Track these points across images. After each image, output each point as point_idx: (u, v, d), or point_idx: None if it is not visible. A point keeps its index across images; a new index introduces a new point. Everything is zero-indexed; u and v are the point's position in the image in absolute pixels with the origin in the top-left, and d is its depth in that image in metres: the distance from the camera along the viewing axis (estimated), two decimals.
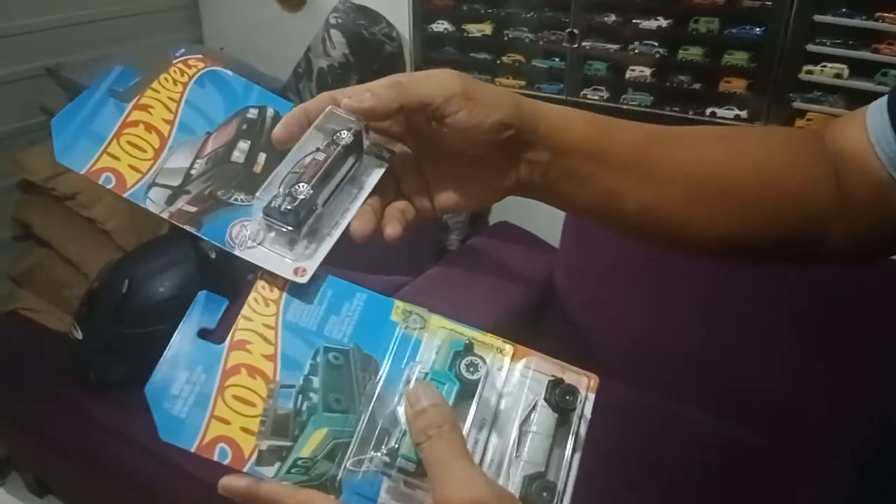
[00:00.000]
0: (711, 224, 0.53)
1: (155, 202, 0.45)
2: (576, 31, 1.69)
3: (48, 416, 1.66)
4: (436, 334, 0.44)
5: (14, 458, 1.88)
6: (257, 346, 0.43)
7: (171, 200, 0.45)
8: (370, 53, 1.94)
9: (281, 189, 0.43)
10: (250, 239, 0.44)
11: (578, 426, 0.43)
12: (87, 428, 1.58)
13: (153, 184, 0.46)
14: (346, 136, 0.44)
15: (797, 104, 1.51)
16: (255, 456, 0.40)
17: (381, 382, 0.42)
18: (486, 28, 1.82)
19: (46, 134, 1.74)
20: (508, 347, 0.44)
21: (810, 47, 1.47)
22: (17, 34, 1.87)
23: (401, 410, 0.41)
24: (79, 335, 1.55)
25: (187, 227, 0.44)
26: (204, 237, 0.44)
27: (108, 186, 0.45)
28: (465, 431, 0.40)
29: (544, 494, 0.39)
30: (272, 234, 0.44)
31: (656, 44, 1.63)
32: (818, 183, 0.54)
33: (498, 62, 1.83)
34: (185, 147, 0.47)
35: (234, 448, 0.40)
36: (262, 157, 0.48)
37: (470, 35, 1.84)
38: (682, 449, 1.46)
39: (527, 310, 1.69)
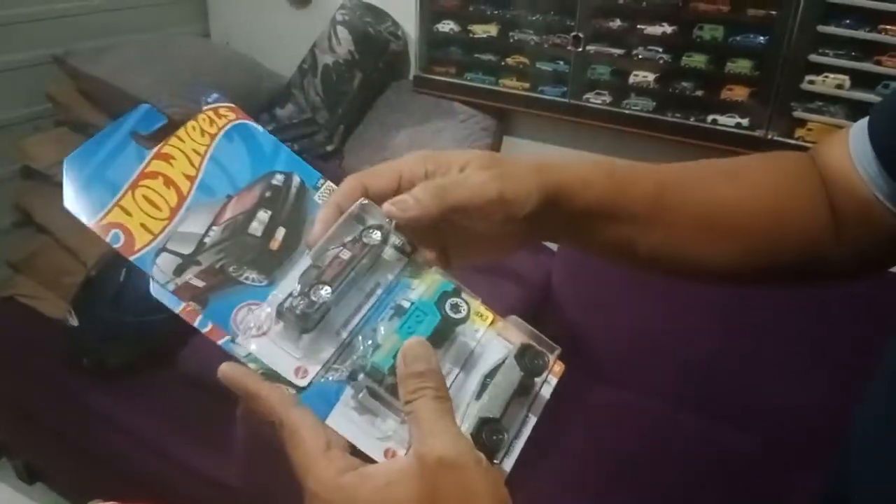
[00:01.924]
0: (719, 259, 0.55)
1: (163, 271, 0.42)
2: (581, 35, 1.69)
3: (42, 402, 1.67)
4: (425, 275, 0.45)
5: (5, 444, 1.88)
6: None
7: (179, 271, 0.42)
8: (375, 51, 1.94)
9: (299, 286, 0.41)
10: (255, 327, 0.41)
11: (540, 390, 0.44)
12: (80, 415, 1.59)
13: (163, 249, 0.42)
14: (374, 238, 0.43)
15: (798, 113, 1.52)
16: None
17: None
18: (492, 29, 1.83)
19: (50, 121, 1.75)
20: (489, 314, 0.46)
21: (813, 57, 1.47)
22: (23, 21, 1.88)
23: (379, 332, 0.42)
24: (75, 322, 1.55)
25: (192, 305, 0.42)
26: (208, 319, 0.42)
27: (115, 246, 0.41)
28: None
29: (494, 437, 0.40)
30: (279, 326, 0.41)
31: (660, 50, 1.63)
32: (817, 209, 0.56)
33: (502, 63, 1.84)
34: (202, 210, 0.44)
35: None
36: (280, 232, 0.45)
37: (475, 36, 1.84)
38: (675, 452, 1.47)
39: (524, 311, 1.67)
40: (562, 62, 1.76)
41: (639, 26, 1.63)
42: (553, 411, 0.45)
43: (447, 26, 1.87)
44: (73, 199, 0.42)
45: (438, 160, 0.46)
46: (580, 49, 1.70)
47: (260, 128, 0.49)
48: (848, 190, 0.54)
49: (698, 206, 0.54)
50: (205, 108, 0.48)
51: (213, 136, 0.47)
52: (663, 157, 1.96)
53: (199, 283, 0.42)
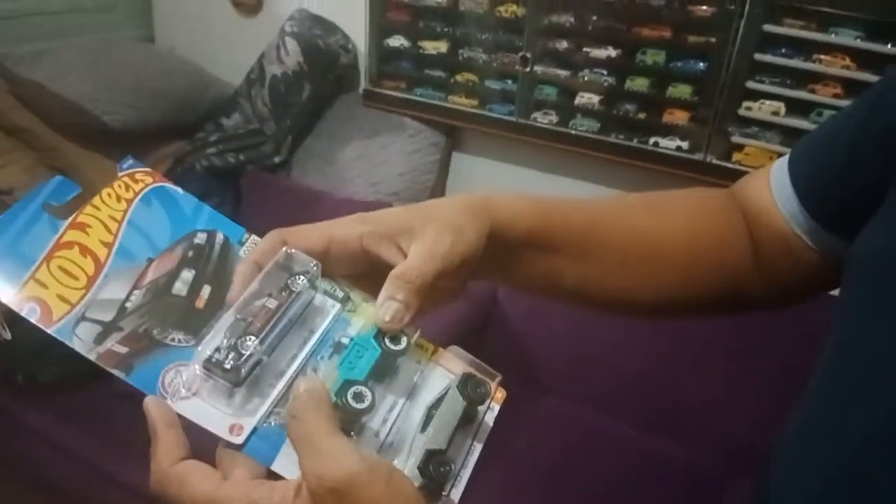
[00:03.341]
0: (643, 292, 0.56)
1: (83, 340, 0.41)
2: (528, 55, 1.72)
3: None
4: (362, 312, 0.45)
5: None
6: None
7: (100, 339, 0.41)
8: (325, 64, 1.94)
9: (225, 340, 0.40)
10: (184, 388, 0.40)
11: (484, 417, 0.44)
12: (15, 432, 1.53)
13: (82, 318, 0.41)
14: (301, 284, 0.43)
15: (735, 138, 1.57)
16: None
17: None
18: (442, 46, 1.84)
19: None
20: (430, 346, 0.45)
21: (750, 84, 1.53)
22: None
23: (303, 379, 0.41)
24: (7, 335, 1.49)
25: (115, 372, 0.40)
26: (133, 385, 0.40)
27: (32, 319, 0.40)
28: (381, 399, 0.41)
29: (442, 469, 0.40)
30: (209, 383, 0.40)
31: (605, 72, 1.67)
32: (738, 242, 0.57)
33: (452, 80, 1.85)
34: (122, 275, 0.43)
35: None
36: (206, 290, 0.44)
37: (425, 52, 1.86)
38: (612, 459, 1.49)
39: (471, 324, 1.70)
40: (510, 81, 1.79)
41: (585, 48, 1.67)
42: (495, 419, 0.45)
43: (397, 41, 1.88)
44: None
45: (374, 222, 0.45)
46: (528, 69, 1.73)
47: (179, 190, 0.48)
48: (768, 225, 0.55)
49: (620, 238, 0.55)
50: (120, 173, 0.47)
51: (129, 202, 0.46)
52: (607, 177, 2.01)
53: (122, 350, 0.41)
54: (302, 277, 0.43)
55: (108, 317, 0.42)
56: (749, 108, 1.54)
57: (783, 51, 1.49)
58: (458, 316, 1.67)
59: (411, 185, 1.89)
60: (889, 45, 1.39)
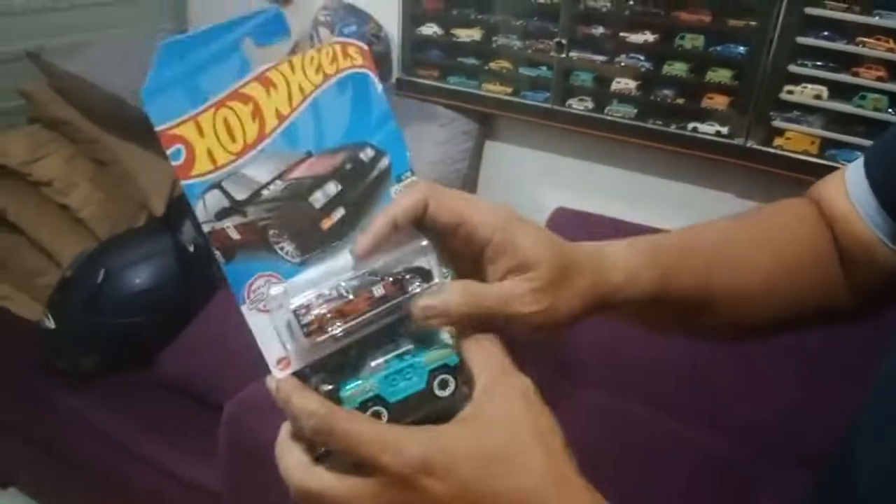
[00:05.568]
0: (752, 323, 0.56)
1: (206, 208, 0.39)
2: (563, 41, 1.70)
3: (14, 405, 1.64)
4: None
5: None
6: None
7: (222, 215, 0.39)
8: None
9: (321, 301, 0.39)
10: (264, 304, 0.40)
11: None
12: (54, 419, 1.56)
13: (218, 185, 0.39)
14: (416, 287, 0.41)
15: (777, 123, 1.53)
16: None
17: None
18: (475, 33, 1.83)
19: (23, 118, 1.72)
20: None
21: (792, 68, 1.49)
22: None
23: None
24: (50, 324, 1.53)
25: (217, 254, 0.39)
26: (225, 275, 0.39)
27: (174, 163, 0.38)
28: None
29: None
30: (287, 317, 0.40)
31: (642, 58, 1.64)
32: (829, 252, 0.57)
33: (485, 68, 1.84)
34: (276, 158, 0.40)
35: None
36: (339, 212, 0.41)
37: (458, 39, 1.84)
38: (649, 455, 1.47)
39: None
40: (545, 67, 1.77)
41: (621, 34, 1.64)
42: None
43: (430, 29, 1.87)
44: (152, 94, 0.38)
45: (511, 236, 0.42)
46: (563, 55, 1.71)
47: (380, 87, 0.43)
48: (849, 231, 0.55)
49: (738, 281, 0.54)
50: (335, 39, 0.42)
51: (327, 77, 0.42)
52: (644, 164, 1.98)
53: (235, 236, 0.39)
54: (421, 283, 0.41)
55: (240, 195, 0.39)
56: (791, 92, 1.50)
57: (825, 34, 1.45)
58: None
59: (444, 173, 1.88)
60: None
